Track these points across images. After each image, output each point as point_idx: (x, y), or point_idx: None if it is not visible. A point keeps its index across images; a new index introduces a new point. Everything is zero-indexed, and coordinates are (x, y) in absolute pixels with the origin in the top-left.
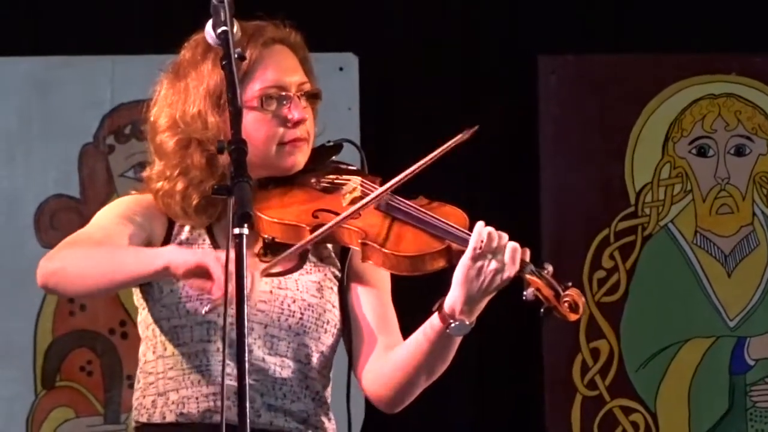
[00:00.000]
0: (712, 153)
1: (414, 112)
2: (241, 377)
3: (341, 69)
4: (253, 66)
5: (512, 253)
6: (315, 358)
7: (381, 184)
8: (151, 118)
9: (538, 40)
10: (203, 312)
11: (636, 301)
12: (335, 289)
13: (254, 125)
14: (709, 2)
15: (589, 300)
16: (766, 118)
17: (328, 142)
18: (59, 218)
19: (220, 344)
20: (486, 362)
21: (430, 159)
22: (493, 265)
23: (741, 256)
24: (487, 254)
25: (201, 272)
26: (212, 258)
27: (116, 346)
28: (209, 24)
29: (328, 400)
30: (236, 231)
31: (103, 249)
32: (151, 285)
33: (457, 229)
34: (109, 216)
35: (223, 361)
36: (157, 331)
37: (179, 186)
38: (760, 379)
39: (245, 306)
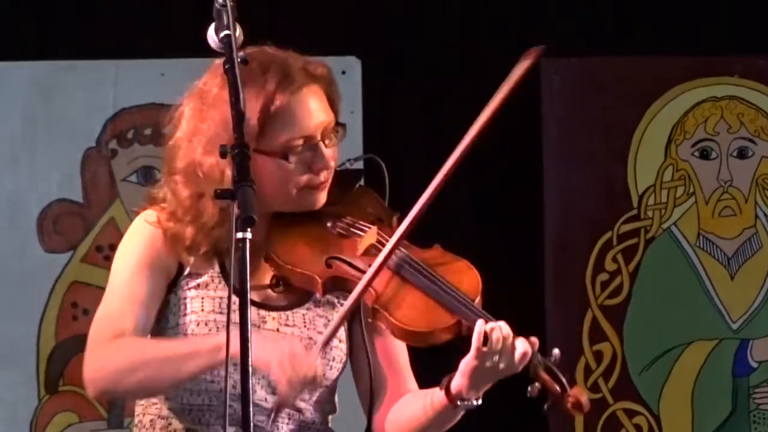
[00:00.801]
0: (715, 155)
1: (416, 115)
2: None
3: (344, 72)
4: (281, 114)
5: (521, 357)
6: (315, 393)
7: (398, 223)
8: (171, 142)
9: (541, 42)
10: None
11: (639, 303)
12: (344, 322)
13: (276, 172)
14: (712, 4)
15: (592, 303)
16: None
17: (350, 161)
18: (62, 222)
19: (222, 385)
20: None
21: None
22: (499, 366)
23: (744, 259)
24: (492, 356)
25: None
26: (275, 363)
27: None
28: (211, 28)
29: (329, 424)
30: (239, 235)
31: (150, 353)
32: (167, 305)
33: (469, 306)
34: (129, 278)
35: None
36: None
37: (188, 232)
38: (764, 381)
39: (248, 321)
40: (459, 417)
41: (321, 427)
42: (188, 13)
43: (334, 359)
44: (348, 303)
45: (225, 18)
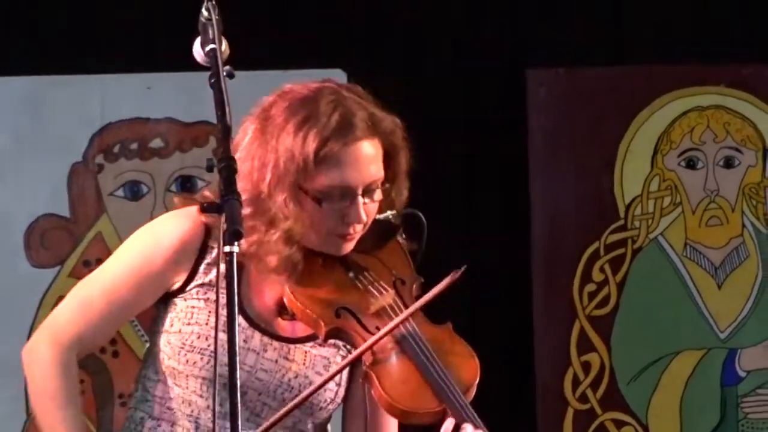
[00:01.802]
0: (701, 165)
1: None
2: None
3: None
4: (329, 160)
5: None
6: (301, 426)
7: (417, 292)
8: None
9: (526, 53)
10: None
11: (627, 314)
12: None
13: (310, 211)
14: (698, 14)
15: (579, 313)
16: (755, 130)
17: (393, 213)
18: (49, 237)
19: (210, 402)
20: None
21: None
22: None
23: (731, 268)
24: None
25: None
26: None
27: (107, 365)
28: (197, 42)
29: None
30: (227, 249)
31: (43, 412)
32: (165, 311)
33: (459, 398)
34: (120, 277)
35: (213, 408)
36: (164, 356)
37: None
38: (752, 391)
39: (236, 330)
40: None
41: None
42: (174, 27)
43: (325, 400)
44: (343, 363)
45: (210, 32)
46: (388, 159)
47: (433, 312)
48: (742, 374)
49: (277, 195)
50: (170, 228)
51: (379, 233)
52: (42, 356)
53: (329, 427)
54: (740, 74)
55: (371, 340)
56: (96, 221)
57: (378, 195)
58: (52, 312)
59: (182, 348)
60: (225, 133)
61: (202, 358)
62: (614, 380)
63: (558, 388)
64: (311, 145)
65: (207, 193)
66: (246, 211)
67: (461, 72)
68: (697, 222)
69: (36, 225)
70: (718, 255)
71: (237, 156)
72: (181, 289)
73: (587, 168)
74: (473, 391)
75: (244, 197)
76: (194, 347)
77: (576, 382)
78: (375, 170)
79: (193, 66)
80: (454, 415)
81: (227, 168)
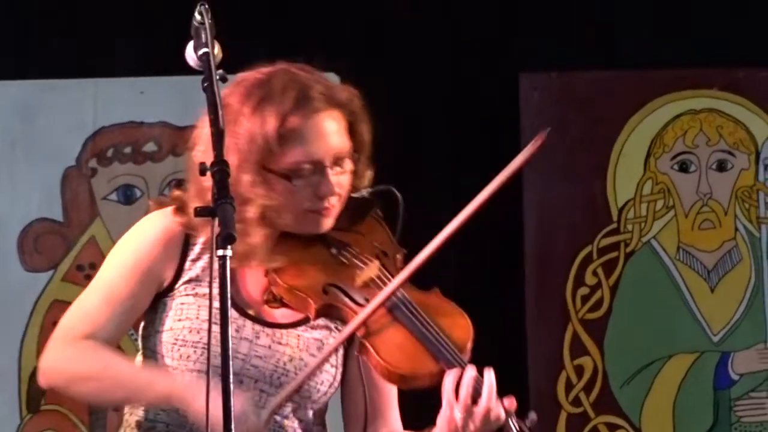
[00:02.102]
0: (694, 168)
1: (397, 132)
2: (227, 413)
3: None
4: (292, 135)
5: (495, 417)
6: (300, 413)
7: (402, 263)
8: (204, 136)
9: (519, 57)
10: None
11: (620, 317)
12: (340, 348)
13: (281, 190)
14: (690, 18)
15: (572, 317)
16: (748, 133)
17: (368, 189)
18: (43, 242)
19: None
20: None
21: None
22: (469, 425)
23: (724, 271)
24: (462, 413)
25: None
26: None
27: None
28: (190, 46)
29: None
30: (219, 253)
31: (111, 371)
32: (155, 314)
33: (456, 355)
34: (117, 277)
35: (207, 400)
36: (154, 360)
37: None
38: (745, 394)
39: (229, 335)
40: None
41: None
42: (167, 32)
43: (323, 383)
44: (340, 337)
45: (203, 36)
46: (352, 130)
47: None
48: (735, 377)
49: (242, 179)
50: (153, 226)
51: (356, 210)
52: (66, 352)
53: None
54: (733, 77)
55: (364, 311)
56: (89, 225)
57: (348, 165)
58: (56, 328)
59: (175, 344)
60: (218, 136)
61: (195, 351)
62: (607, 384)
63: (551, 391)
64: (271, 123)
65: (177, 192)
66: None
67: (455, 75)
68: (690, 225)
69: (29, 229)
70: (711, 258)
71: (197, 147)
72: (170, 288)
73: (580, 171)
74: (469, 350)
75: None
76: (187, 341)
77: (569, 386)
78: (340, 141)
79: (186, 70)
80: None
81: (220, 172)
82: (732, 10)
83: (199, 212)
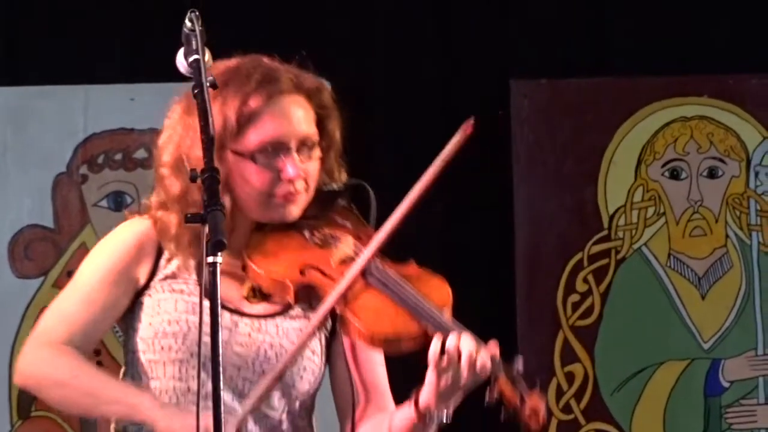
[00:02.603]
0: (685, 175)
1: (390, 138)
2: (216, 418)
3: None
4: (256, 115)
5: (480, 369)
6: (284, 402)
7: (372, 237)
8: (159, 147)
9: (510, 64)
10: None
11: (610, 324)
12: (319, 335)
13: (246, 174)
14: (680, 25)
15: (563, 324)
16: (739, 140)
17: (341, 184)
18: (33, 248)
19: (190, 383)
20: None
21: (423, 185)
22: (459, 377)
23: (715, 278)
24: (450, 368)
25: None
26: (181, 425)
27: None
28: (180, 52)
29: None
30: (210, 260)
31: (78, 380)
32: (133, 314)
33: (436, 315)
34: (92, 281)
35: (198, 396)
36: (135, 361)
37: (174, 219)
38: (735, 401)
39: (220, 340)
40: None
41: None
42: (158, 38)
43: (305, 369)
44: (321, 310)
45: (194, 42)
46: (321, 124)
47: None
48: (726, 384)
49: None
50: (127, 231)
51: (326, 201)
52: (40, 354)
53: (314, 421)
54: (724, 84)
55: (341, 283)
56: (80, 232)
57: (316, 153)
58: (32, 331)
59: (155, 337)
60: (208, 143)
61: (176, 341)
62: (598, 391)
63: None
64: (233, 104)
65: (145, 201)
66: (171, 182)
67: (445, 81)
68: (680, 232)
69: (20, 236)
70: (702, 265)
71: (162, 139)
72: (146, 285)
73: (571, 178)
74: (449, 310)
75: (170, 171)
76: (167, 333)
77: (560, 393)
78: (306, 127)
79: (177, 77)
80: (438, 330)
81: (210, 179)
82: (722, 17)
83: (189, 219)
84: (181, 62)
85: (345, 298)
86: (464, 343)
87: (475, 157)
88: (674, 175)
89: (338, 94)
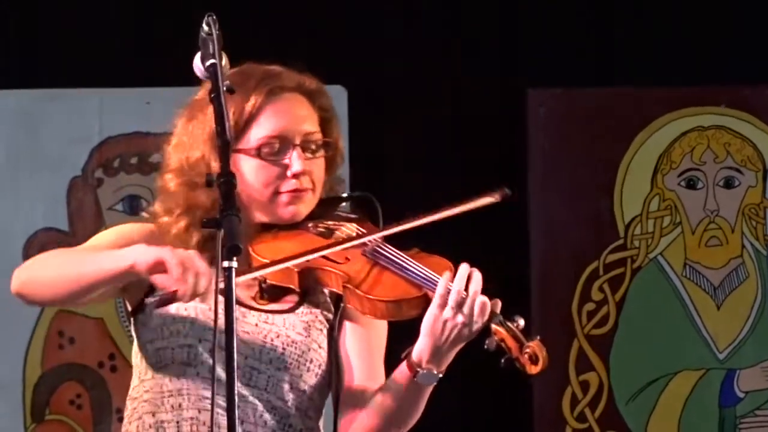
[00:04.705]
0: (701, 185)
1: (403, 145)
2: (230, 410)
3: None
4: (257, 112)
5: (481, 307)
6: (293, 395)
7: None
8: (165, 155)
9: (527, 73)
10: (147, 303)
11: (625, 333)
12: (325, 332)
13: (252, 172)
14: (698, 35)
15: (578, 333)
16: (756, 150)
17: (343, 196)
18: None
19: (200, 368)
20: (474, 395)
21: (437, 217)
22: (459, 318)
23: (730, 289)
24: (453, 307)
25: (162, 267)
26: (168, 252)
27: (105, 380)
28: (197, 57)
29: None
30: (225, 264)
31: (74, 253)
32: (143, 309)
33: (435, 277)
34: (103, 239)
35: (212, 383)
36: (142, 356)
37: (182, 224)
38: (750, 412)
39: (234, 339)
40: (422, 401)
41: (274, 424)
42: (174, 42)
43: (312, 362)
44: (303, 258)
45: (211, 47)
46: (324, 126)
47: (405, 347)
48: (741, 395)
49: (211, 162)
50: (127, 225)
51: (330, 205)
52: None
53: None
54: (741, 94)
55: (354, 242)
56: (95, 235)
57: (320, 152)
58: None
59: (163, 325)
60: (224, 148)
61: (184, 326)
62: (613, 400)
63: (556, 407)
64: (234, 104)
65: (150, 210)
66: (174, 186)
67: (462, 91)
68: (696, 242)
69: (35, 239)
70: (718, 275)
71: (169, 148)
72: (151, 289)
73: (587, 187)
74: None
75: (174, 175)
76: (176, 318)
77: (574, 401)
78: (310, 125)
79: (193, 81)
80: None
81: (226, 183)
82: (739, 28)
83: (205, 224)
84: (198, 66)
85: (348, 275)
86: (472, 284)
87: (490, 165)
88: (691, 184)
89: (353, 101)
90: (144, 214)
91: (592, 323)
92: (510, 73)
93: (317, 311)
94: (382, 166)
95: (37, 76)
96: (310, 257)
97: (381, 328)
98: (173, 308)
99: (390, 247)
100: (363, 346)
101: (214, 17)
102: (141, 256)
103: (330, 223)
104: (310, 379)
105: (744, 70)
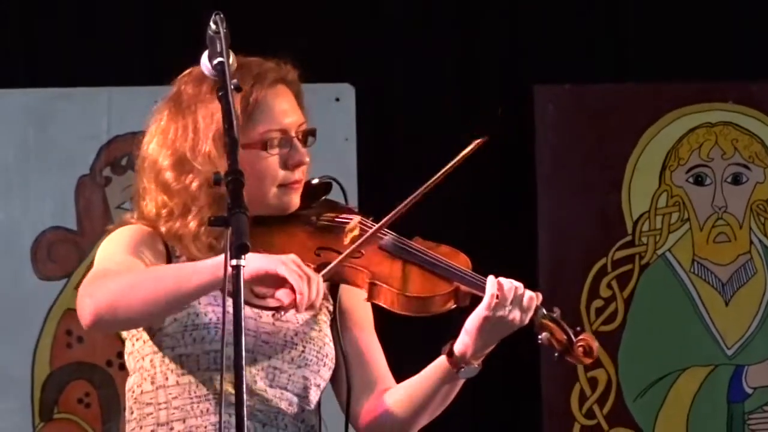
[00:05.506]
0: (709, 181)
1: (411, 142)
2: (239, 405)
3: (338, 100)
4: (258, 107)
5: (528, 302)
6: (313, 392)
7: (377, 222)
8: (149, 152)
9: (534, 69)
10: (273, 317)
11: (634, 330)
12: (329, 323)
13: (256, 166)
14: (705, 31)
15: (586, 329)
16: (763, 146)
17: (311, 180)
18: (56, 250)
19: (226, 374)
20: (483, 392)
21: (429, 185)
22: (510, 316)
23: (738, 285)
24: (504, 306)
25: (269, 279)
26: (277, 262)
27: (114, 378)
28: (205, 55)
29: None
30: (234, 262)
31: (152, 272)
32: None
33: (465, 272)
34: (117, 251)
35: (221, 383)
36: (156, 361)
37: (192, 225)
38: (758, 408)
39: (242, 338)
40: (455, 392)
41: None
42: (182, 40)
43: (327, 356)
44: (349, 250)
45: (218, 45)
46: (301, 108)
47: (437, 332)
48: (749, 391)
49: (218, 163)
50: (128, 227)
51: (311, 194)
52: (102, 280)
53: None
54: (748, 90)
55: (368, 233)
56: (103, 234)
57: (309, 141)
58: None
59: (185, 330)
60: (232, 145)
61: (209, 332)
62: (621, 396)
63: (565, 403)
64: (236, 102)
65: (130, 214)
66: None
67: (469, 87)
68: (704, 238)
69: (43, 238)
70: (726, 271)
71: (151, 145)
72: None
73: (595, 184)
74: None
75: (174, 178)
76: (196, 325)
77: (583, 398)
78: (299, 115)
79: None
80: (470, 285)
81: (234, 181)
82: (746, 23)
83: (213, 222)
84: (206, 64)
85: (371, 271)
86: (516, 283)
87: (498, 162)
88: (698, 181)
89: (360, 98)
90: (128, 215)
91: (600, 320)
92: (517, 69)
93: (328, 313)
94: (389, 163)
95: (45, 75)
96: (351, 251)
97: (368, 306)
98: (192, 313)
99: (406, 240)
100: (365, 338)
101: (222, 15)
102: (247, 267)
103: (330, 215)
104: (326, 373)
105: (751, 66)
